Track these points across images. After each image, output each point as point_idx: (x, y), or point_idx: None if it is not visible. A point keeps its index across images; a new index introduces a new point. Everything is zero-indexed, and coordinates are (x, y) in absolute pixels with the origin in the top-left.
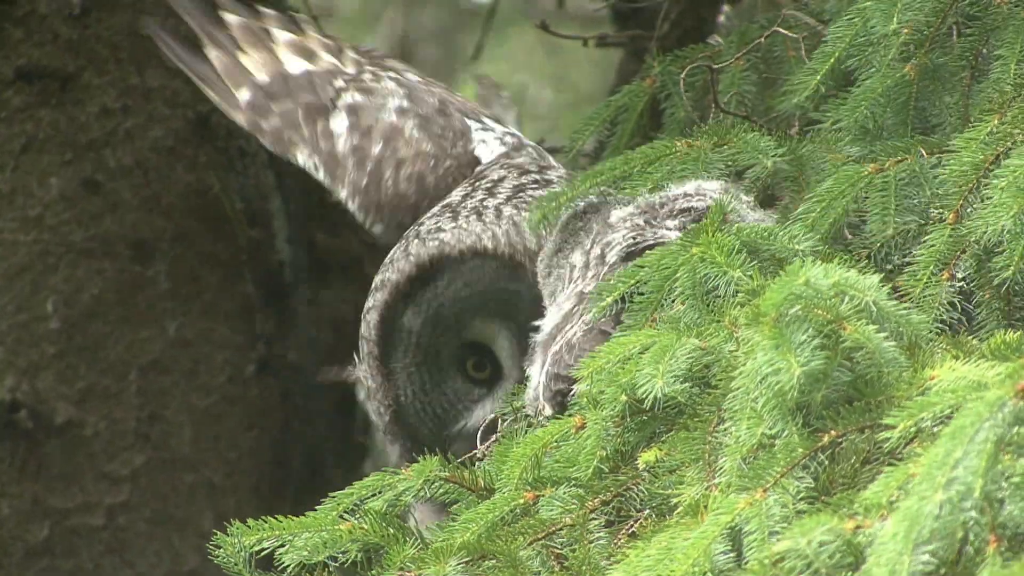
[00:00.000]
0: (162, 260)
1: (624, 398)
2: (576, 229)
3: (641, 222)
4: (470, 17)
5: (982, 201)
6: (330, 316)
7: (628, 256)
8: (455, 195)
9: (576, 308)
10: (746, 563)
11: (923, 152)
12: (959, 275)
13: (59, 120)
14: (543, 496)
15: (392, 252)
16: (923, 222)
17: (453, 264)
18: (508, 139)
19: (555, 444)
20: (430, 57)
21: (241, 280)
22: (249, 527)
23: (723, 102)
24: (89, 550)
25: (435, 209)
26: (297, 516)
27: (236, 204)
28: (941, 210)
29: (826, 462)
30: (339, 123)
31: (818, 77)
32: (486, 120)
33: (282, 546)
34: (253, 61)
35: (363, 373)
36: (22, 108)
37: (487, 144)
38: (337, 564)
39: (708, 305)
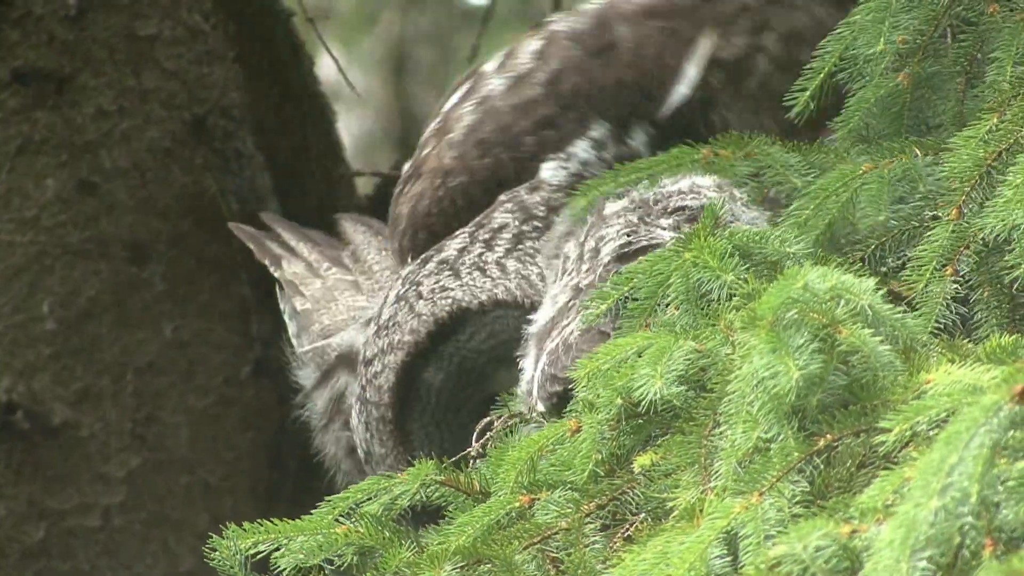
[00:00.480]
0: (158, 262)
1: (620, 401)
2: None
3: (635, 219)
4: (467, 19)
5: (984, 198)
6: None
7: (621, 257)
8: (451, 249)
9: (572, 302)
10: (742, 567)
11: (918, 152)
12: (961, 272)
13: (55, 122)
14: (539, 500)
15: (388, 317)
16: (907, 225)
17: (474, 317)
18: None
19: (550, 448)
20: (426, 59)
21: (237, 282)
22: (245, 530)
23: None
24: (85, 551)
25: (430, 267)
26: (293, 518)
27: (232, 206)
28: (939, 208)
29: (822, 466)
30: None
31: (807, 94)
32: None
33: (278, 549)
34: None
35: (363, 440)
36: (18, 110)
37: None
38: (333, 567)
39: (702, 309)
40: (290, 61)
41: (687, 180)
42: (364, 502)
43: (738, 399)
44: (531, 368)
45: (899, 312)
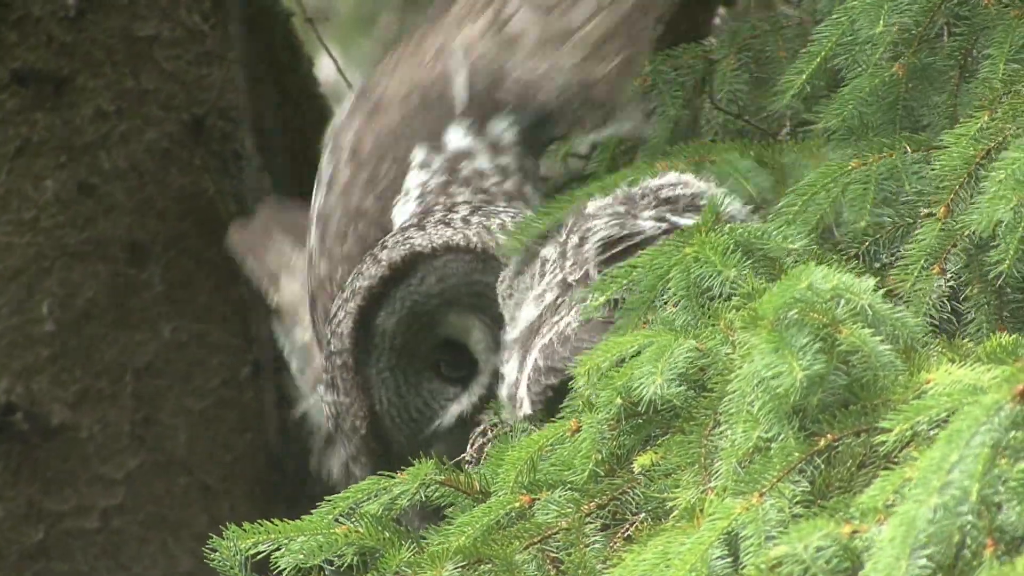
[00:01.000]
0: (157, 263)
1: (619, 401)
2: (537, 251)
3: (621, 210)
4: None
5: (972, 196)
6: None
7: (607, 246)
8: (410, 220)
9: (560, 298)
10: (743, 568)
11: (908, 148)
12: (950, 270)
13: (54, 123)
14: (539, 500)
15: (357, 267)
16: (902, 222)
17: (426, 260)
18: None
19: (550, 447)
20: None
21: (235, 283)
22: (245, 531)
23: (716, 100)
24: (84, 553)
25: (394, 231)
26: (292, 519)
27: (231, 207)
28: (928, 206)
29: (822, 466)
30: None
31: (803, 77)
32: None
33: (278, 549)
34: None
35: (330, 394)
36: (16, 111)
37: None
38: (333, 568)
39: (703, 307)
40: (289, 62)
41: (672, 175)
42: (364, 502)
43: (739, 399)
44: (514, 371)
45: (899, 312)
